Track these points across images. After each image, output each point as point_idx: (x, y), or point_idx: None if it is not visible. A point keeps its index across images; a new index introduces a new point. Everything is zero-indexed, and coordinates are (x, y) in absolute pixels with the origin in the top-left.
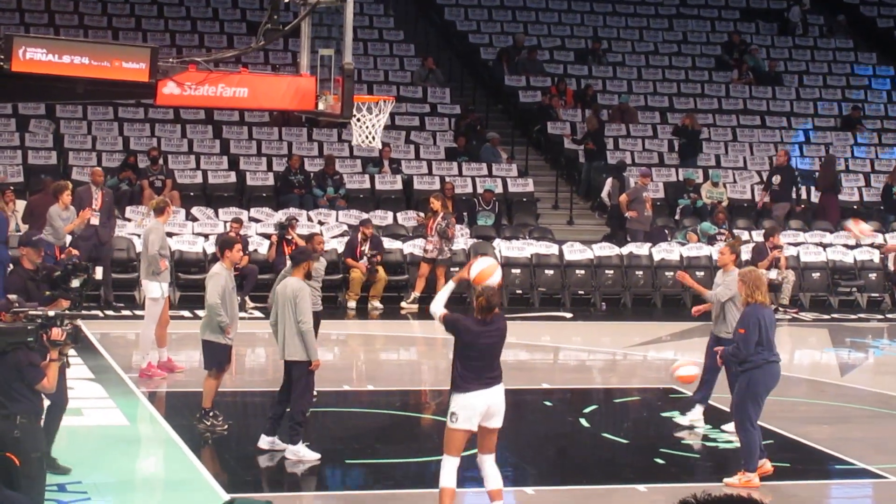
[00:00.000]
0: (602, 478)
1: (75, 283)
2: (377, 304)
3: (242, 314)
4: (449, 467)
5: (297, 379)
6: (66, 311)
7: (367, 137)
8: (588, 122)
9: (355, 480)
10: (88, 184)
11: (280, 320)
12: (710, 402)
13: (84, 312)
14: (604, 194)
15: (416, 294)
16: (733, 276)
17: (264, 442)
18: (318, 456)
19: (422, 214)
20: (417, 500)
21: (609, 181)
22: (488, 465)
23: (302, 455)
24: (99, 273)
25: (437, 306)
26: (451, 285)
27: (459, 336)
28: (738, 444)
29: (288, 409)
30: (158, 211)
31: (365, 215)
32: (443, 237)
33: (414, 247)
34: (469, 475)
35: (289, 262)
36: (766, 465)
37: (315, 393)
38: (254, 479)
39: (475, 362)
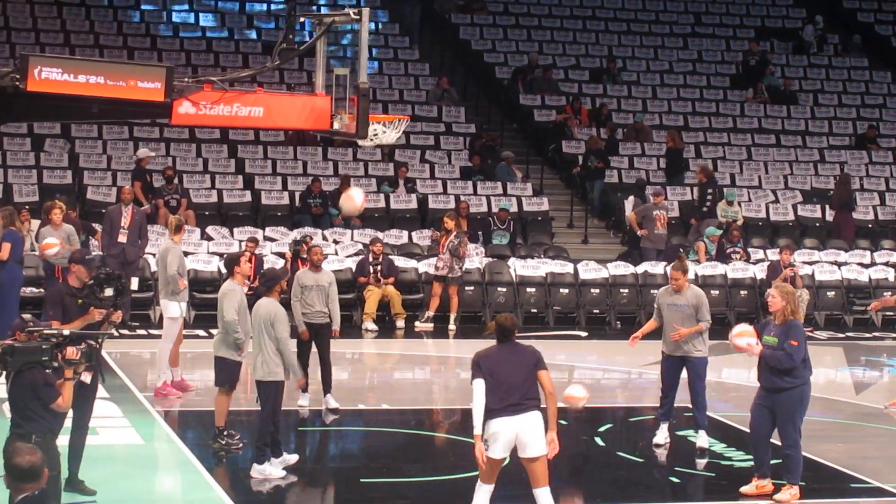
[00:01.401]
0: (617, 497)
1: (108, 291)
2: (400, 323)
3: None
4: (480, 495)
5: (264, 400)
6: (98, 331)
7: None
8: (591, 141)
9: (371, 500)
10: (119, 203)
11: (255, 341)
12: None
13: (103, 332)
14: (627, 212)
15: (430, 313)
16: (694, 292)
17: (275, 464)
18: (283, 473)
19: (438, 232)
20: None
21: (630, 199)
22: (541, 500)
23: (268, 473)
24: (134, 284)
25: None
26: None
27: (485, 368)
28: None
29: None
30: (176, 230)
31: (380, 234)
32: (454, 255)
33: (429, 266)
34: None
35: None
36: (769, 486)
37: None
38: (269, 498)
39: (498, 389)
